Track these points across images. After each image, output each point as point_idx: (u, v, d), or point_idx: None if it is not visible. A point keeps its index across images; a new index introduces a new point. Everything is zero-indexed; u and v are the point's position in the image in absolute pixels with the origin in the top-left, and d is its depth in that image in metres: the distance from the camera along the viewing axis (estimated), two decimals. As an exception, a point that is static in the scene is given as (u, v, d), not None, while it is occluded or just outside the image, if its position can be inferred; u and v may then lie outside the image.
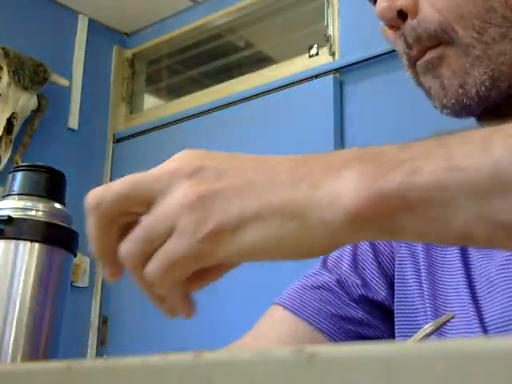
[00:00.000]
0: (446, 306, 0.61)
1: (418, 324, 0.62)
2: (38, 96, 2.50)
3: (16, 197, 0.67)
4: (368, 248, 0.70)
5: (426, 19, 0.59)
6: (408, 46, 0.61)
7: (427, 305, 0.62)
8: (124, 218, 0.41)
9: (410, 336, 0.60)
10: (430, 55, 0.60)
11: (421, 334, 0.41)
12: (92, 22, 2.88)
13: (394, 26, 0.61)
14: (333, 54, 2.29)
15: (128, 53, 3.01)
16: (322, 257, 0.73)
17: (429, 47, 0.60)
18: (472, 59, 0.57)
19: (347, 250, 0.71)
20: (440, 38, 0.59)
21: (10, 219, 0.64)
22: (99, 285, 2.71)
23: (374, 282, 0.68)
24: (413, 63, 0.62)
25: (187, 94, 2.75)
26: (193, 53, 2.85)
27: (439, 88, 0.60)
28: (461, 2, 0.57)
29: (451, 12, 0.58)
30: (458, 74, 0.58)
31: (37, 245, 0.65)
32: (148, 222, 0.39)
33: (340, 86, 2.25)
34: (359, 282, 0.68)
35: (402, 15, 0.60)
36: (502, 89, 0.58)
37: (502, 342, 0.16)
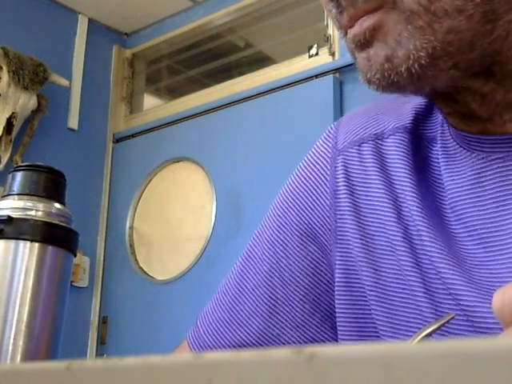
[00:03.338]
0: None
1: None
2: (37, 96, 2.51)
3: (16, 197, 0.67)
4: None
5: None
6: (339, 9, 0.49)
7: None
8: None
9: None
10: (362, 24, 0.48)
11: (421, 333, 0.41)
12: (92, 22, 2.88)
13: None
14: (332, 54, 2.30)
15: (128, 53, 3.01)
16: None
17: (365, 11, 0.48)
18: (413, 29, 0.46)
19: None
20: (381, 0, 0.47)
21: (9, 219, 0.64)
22: (99, 285, 2.71)
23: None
24: (344, 33, 0.51)
25: (187, 94, 2.75)
26: (193, 53, 2.85)
27: (364, 59, 0.49)
28: None
29: None
30: (389, 45, 0.47)
31: (37, 245, 0.65)
32: None
33: (340, 86, 2.25)
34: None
35: None
36: (441, 67, 0.47)
37: (502, 342, 0.16)
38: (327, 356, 0.18)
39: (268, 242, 0.63)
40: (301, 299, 0.60)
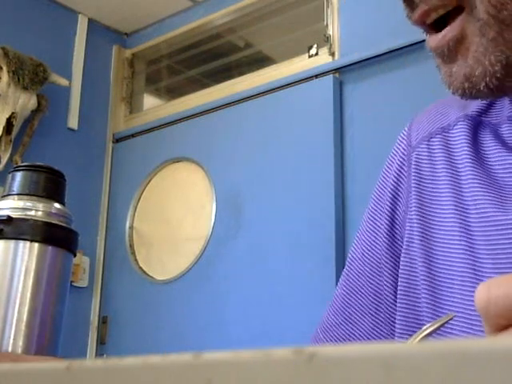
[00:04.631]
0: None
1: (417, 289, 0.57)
2: (37, 96, 2.50)
3: (16, 197, 0.67)
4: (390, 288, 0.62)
5: None
6: (411, 7, 0.52)
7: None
8: None
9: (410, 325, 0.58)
10: (446, 36, 0.51)
11: (421, 333, 0.41)
12: (92, 22, 2.88)
13: None
14: (332, 54, 2.29)
15: (128, 53, 3.01)
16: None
17: (441, 7, 0.50)
18: (486, 42, 0.48)
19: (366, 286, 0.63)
20: None
21: (9, 219, 0.64)
22: (99, 285, 2.71)
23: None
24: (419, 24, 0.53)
25: (187, 94, 2.75)
26: (193, 53, 2.85)
27: (446, 74, 0.52)
28: None
29: None
30: (468, 62, 0.50)
31: (36, 245, 0.65)
32: None
33: (340, 86, 2.25)
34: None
35: None
36: None
37: (502, 342, 0.16)
38: (327, 356, 0.18)
39: (365, 244, 0.65)
40: (392, 292, 0.61)
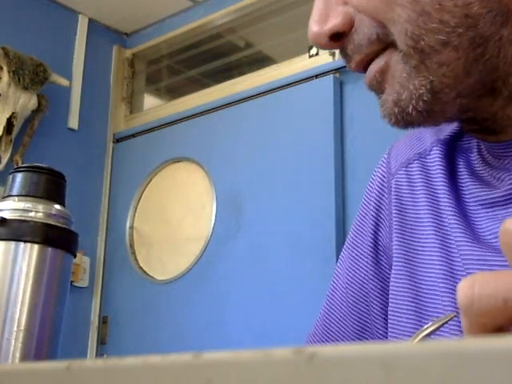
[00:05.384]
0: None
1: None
2: (38, 96, 2.50)
3: (16, 198, 0.67)
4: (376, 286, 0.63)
5: (363, 25, 0.52)
6: (347, 59, 0.54)
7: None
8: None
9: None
10: (371, 69, 0.53)
11: (421, 333, 0.41)
12: (92, 22, 2.88)
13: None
14: (333, 54, 2.29)
15: (128, 53, 3.01)
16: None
17: (372, 53, 0.53)
18: (409, 68, 0.50)
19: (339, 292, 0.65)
20: (384, 41, 0.51)
21: (9, 221, 0.64)
22: (99, 285, 2.71)
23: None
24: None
25: (187, 94, 2.75)
26: (193, 53, 2.85)
27: (380, 105, 0.55)
28: (387, 5, 0.50)
29: (382, 15, 0.50)
30: (395, 88, 0.52)
31: (36, 246, 0.65)
32: None
33: (340, 86, 2.25)
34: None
35: (337, 36, 0.53)
36: (445, 100, 0.51)
37: (502, 342, 0.16)
38: (327, 356, 0.18)
39: (348, 271, 0.66)
40: (380, 317, 0.62)
